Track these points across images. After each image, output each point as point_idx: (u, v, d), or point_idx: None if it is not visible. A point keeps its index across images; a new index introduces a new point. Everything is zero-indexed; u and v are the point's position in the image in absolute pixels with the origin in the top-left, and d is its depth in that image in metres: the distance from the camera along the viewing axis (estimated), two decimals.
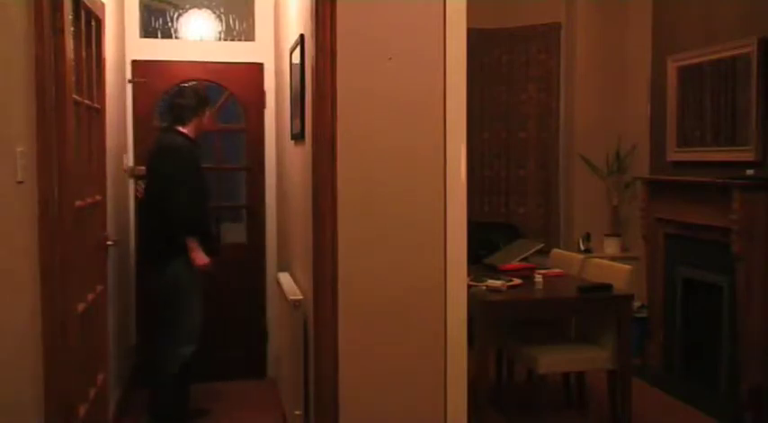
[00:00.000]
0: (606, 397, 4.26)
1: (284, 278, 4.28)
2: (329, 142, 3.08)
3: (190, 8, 5.09)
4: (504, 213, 6.56)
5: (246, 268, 5.16)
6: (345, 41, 3.07)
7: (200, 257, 4.03)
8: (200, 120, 4.19)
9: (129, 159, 4.92)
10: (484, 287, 4.07)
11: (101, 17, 3.59)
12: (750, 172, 4.41)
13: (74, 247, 2.87)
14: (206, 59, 5.03)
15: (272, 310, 5.06)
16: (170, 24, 5.06)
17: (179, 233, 3.99)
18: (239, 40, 5.14)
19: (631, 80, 6.00)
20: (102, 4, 3.67)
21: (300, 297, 3.68)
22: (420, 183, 3.15)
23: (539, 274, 4.29)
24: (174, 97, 4.30)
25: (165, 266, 4.06)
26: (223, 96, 5.12)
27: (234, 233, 5.29)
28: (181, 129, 4.13)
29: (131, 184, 4.96)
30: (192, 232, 4.01)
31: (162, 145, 4.15)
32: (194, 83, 4.38)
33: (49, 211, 2.64)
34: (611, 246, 6.01)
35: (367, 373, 3.16)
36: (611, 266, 4.37)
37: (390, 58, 3.12)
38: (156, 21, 5.04)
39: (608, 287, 4.07)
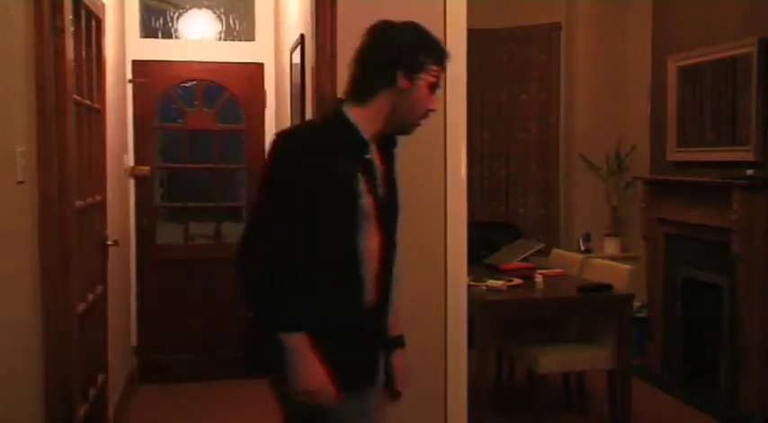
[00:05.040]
0: (606, 397, 4.26)
1: None
2: None
3: (190, 8, 5.10)
4: (504, 213, 6.56)
5: None
6: (345, 41, 3.07)
7: (311, 374, 2.03)
8: (399, 92, 2.10)
9: (130, 159, 4.92)
10: (484, 287, 4.07)
11: (101, 17, 3.59)
12: (750, 172, 4.41)
13: (74, 247, 2.87)
14: (206, 59, 5.04)
15: None
16: (170, 24, 5.07)
17: (257, 315, 2.11)
18: (239, 40, 5.15)
19: (631, 80, 6.00)
20: (102, 4, 3.67)
21: None
22: (420, 183, 3.15)
23: (539, 274, 4.29)
24: (363, 43, 2.19)
25: (277, 380, 2.12)
26: (223, 96, 5.12)
27: (234, 233, 5.29)
28: (351, 107, 2.13)
29: (131, 183, 4.96)
30: (272, 319, 2.05)
31: (281, 138, 2.16)
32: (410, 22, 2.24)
33: (49, 211, 2.64)
34: (611, 246, 6.00)
35: None
36: (612, 266, 4.37)
37: None
38: (156, 21, 5.04)
39: (608, 287, 4.07)
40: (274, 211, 2.06)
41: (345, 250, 2.09)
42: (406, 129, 2.19)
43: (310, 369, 2.01)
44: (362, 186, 2.09)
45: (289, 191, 2.03)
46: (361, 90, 2.12)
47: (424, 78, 2.10)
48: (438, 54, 2.14)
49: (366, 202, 2.09)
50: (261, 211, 2.10)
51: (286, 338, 2.00)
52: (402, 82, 2.09)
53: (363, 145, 2.13)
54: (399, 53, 2.10)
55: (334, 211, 2.07)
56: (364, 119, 2.11)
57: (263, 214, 2.09)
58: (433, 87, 2.13)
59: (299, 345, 2.00)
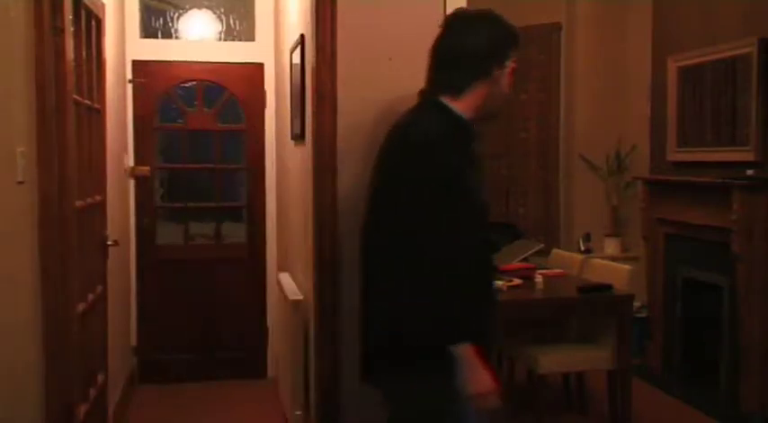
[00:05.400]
0: (606, 397, 4.26)
1: (284, 278, 4.28)
2: (329, 142, 3.08)
3: (190, 8, 5.09)
4: (504, 213, 6.56)
5: (246, 268, 5.17)
6: (345, 41, 3.07)
7: (482, 379, 2.09)
8: (492, 81, 2.21)
9: (130, 159, 4.92)
10: None
11: (101, 17, 3.59)
12: (750, 172, 4.41)
13: (74, 247, 2.87)
14: (206, 59, 5.04)
15: (272, 310, 5.06)
16: (170, 24, 5.06)
17: (424, 322, 2.05)
18: (239, 40, 5.14)
19: (631, 80, 6.00)
20: (103, 4, 3.67)
21: (300, 297, 3.68)
22: None
23: (539, 274, 4.29)
24: (444, 33, 2.27)
25: (398, 386, 2.20)
26: (223, 96, 5.12)
27: (234, 233, 5.29)
28: (449, 101, 2.20)
29: (131, 183, 4.96)
30: (455, 326, 2.06)
31: (404, 135, 2.20)
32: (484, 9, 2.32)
33: (49, 211, 2.64)
34: (611, 246, 6.00)
35: None
36: (611, 266, 4.37)
37: (390, 59, 3.12)
38: (156, 21, 5.04)
39: (608, 287, 4.07)
40: (420, 215, 2.02)
41: (481, 247, 2.15)
42: (494, 115, 2.29)
43: (481, 374, 2.07)
44: (477, 180, 2.15)
45: (433, 194, 2.03)
46: (455, 83, 2.18)
47: (510, 66, 2.23)
48: (518, 41, 2.25)
49: (480, 196, 2.15)
50: (399, 218, 2.06)
51: (457, 349, 2.04)
52: (496, 72, 2.19)
53: (474, 138, 2.19)
54: (492, 45, 2.19)
55: (469, 208, 2.10)
56: (463, 111, 2.18)
57: (404, 223, 2.04)
58: (514, 72, 2.25)
59: (468, 352, 2.05)
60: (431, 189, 2.03)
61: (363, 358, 2.27)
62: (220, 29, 5.15)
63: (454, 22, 2.25)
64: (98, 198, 3.52)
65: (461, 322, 2.06)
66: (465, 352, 2.05)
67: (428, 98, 2.23)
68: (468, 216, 2.08)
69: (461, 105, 2.18)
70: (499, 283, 4.11)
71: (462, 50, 2.18)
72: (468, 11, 2.27)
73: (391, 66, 3.12)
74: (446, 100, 2.18)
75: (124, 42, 4.82)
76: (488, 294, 2.22)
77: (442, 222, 2.02)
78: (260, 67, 5.10)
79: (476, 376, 2.07)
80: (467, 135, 2.19)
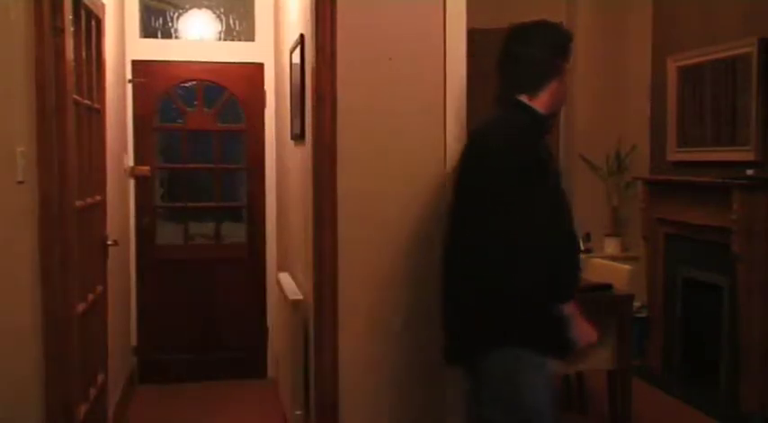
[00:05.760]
0: (606, 397, 4.26)
1: (284, 278, 4.28)
2: (329, 142, 3.08)
3: (190, 8, 5.10)
4: None
5: (246, 268, 5.17)
6: (345, 41, 3.07)
7: (589, 330, 2.57)
8: (559, 80, 2.53)
9: (130, 159, 4.92)
10: None
11: (101, 17, 3.59)
12: (750, 172, 4.41)
13: (74, 247, 2.87)
14: (206, 59, 5.04)
15: (272, 310, 5.06)
16: (170, 24, 5.07)
17: (541, 289, 2.38)
18: (239, 40, 5.14)
19: (631, 80, 5.99)
20: (102, 4, 3.67)
21: (300, 297, 3.68)
22: (420, 183, 3.15)
23: None
24: (511, 43, 2.61)
25: (490, 367, 2.51)
26: (223, 96, 5.12)
27: (234, 233, 5.29)
28: (527, 100, 2.52)
29: (131, 183, 4.96)
30: (565, 288, 2.46)
31: (492, 133, 2.54)
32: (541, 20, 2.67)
33: (49, 211, 2.65)
34: (611, 246, 6.00)
35: (367, 373, 3.16)
36: (611, 266, 4.37)
37: (390, 59, 3.12)
38: (156, 21, 5.04)
39: (608, 287, 4.07)
40: (525, 201, 2.34)
41: (570, 221, 2.47)
42: (559, 109, 2.69)
43: (587, 326, 2.55)
44: (554, 166, 2.50)
45: (531, 181, 2.34)
46: (532, 84, 2.52)
47: (569, 64, 2.55)
48: (571, 41, 2.60)
49: (559, 177, 2.50)
50: (507, 206, 2.35)
51: (566, 307, 2.45)
52: (564, 70, 2.54)
53: (548, 131, 2.56)
54: (557, 46, 2.55)
55: (556, 188, 2.43)
56: (541, 108, 2.52)
57: (512, 210, 2.34)
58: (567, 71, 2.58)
59: (574, 309, 2.47)
60: (528, 178, 2.34)
61: (449, 343, 2.62)
62: (220, 29, 5.15)
63: (517, 33, 2.62)
64: (98, 198, 3.52)
65: (568, 284, 2.46)
66: (572, 309, 2.45)
67: (509, 99, 2.55)
68: (558, 195, 2.43)
69: (539, 103, 2.50)
70: None
71: (534, 55, 2.51)
72: (524, 23, 2.63)
73: (391, 66, 3.12)
74: (525, 99, 2.51)
75: (124, 42, 4.82)
76: (578, 259, 2.58)
77: (542, 204, 2.35)
78: (260, 67, 5.10)
79: (583, 328, 2.52)
80: (542, 129, 2.53)
